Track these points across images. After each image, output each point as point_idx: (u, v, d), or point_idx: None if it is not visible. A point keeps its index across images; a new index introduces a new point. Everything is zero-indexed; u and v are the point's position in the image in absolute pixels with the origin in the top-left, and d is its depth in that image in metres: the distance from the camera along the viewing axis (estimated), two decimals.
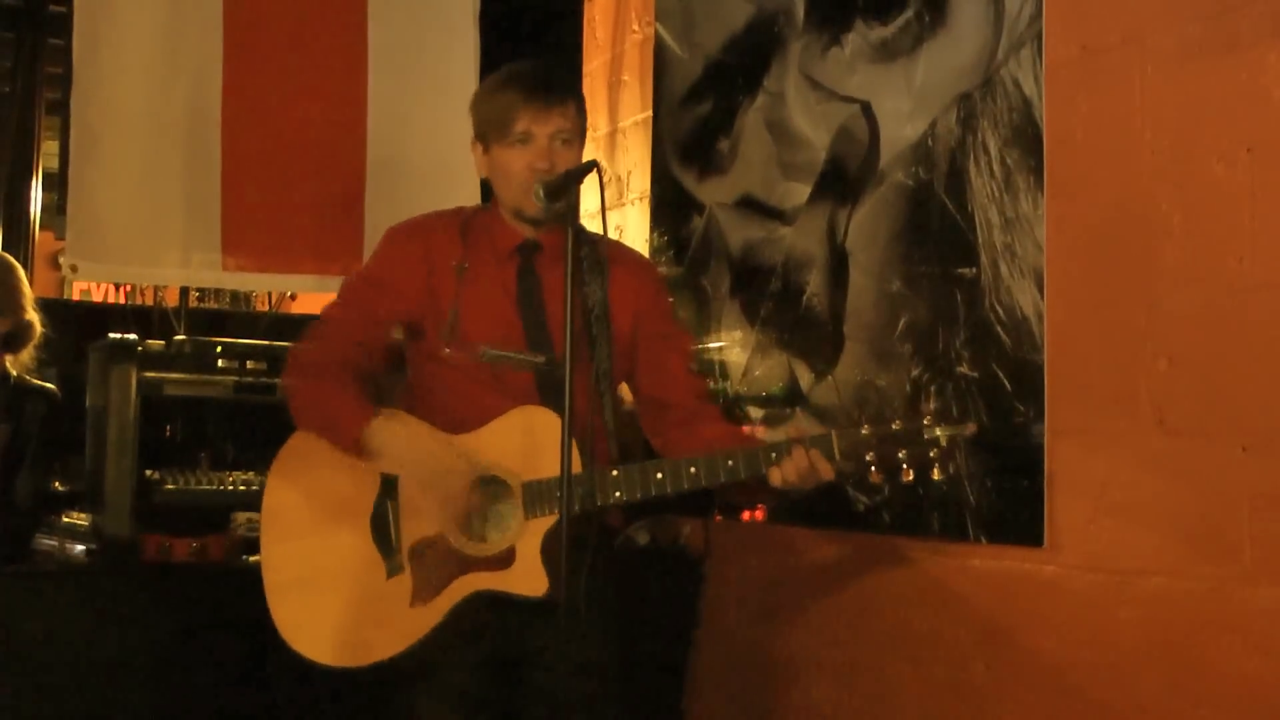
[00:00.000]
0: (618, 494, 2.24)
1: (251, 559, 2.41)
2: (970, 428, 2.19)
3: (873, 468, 2.18)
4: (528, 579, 2.22)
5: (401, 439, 2.30)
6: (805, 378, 3.07)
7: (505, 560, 2.25)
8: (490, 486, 2.31)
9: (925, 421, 2.16)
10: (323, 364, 2.39)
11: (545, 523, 2.23)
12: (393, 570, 2.31)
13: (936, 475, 2.17)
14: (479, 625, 2.30)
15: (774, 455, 2.19)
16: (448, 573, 2.27)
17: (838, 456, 2.18)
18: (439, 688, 2.32)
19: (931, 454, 2.16)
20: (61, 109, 3.82)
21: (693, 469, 2.22)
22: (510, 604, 2.25)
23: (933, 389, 2.70)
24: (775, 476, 2.19)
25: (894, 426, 2.17)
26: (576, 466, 2.20)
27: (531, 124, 2.32)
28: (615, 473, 2.24)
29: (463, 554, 2.27)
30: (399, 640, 2.27)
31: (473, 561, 2.27)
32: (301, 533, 2.37)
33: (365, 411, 2.31)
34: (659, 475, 2.23)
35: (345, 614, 2.32)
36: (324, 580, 2.34)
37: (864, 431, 2.18)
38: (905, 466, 2.16)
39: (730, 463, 2.21)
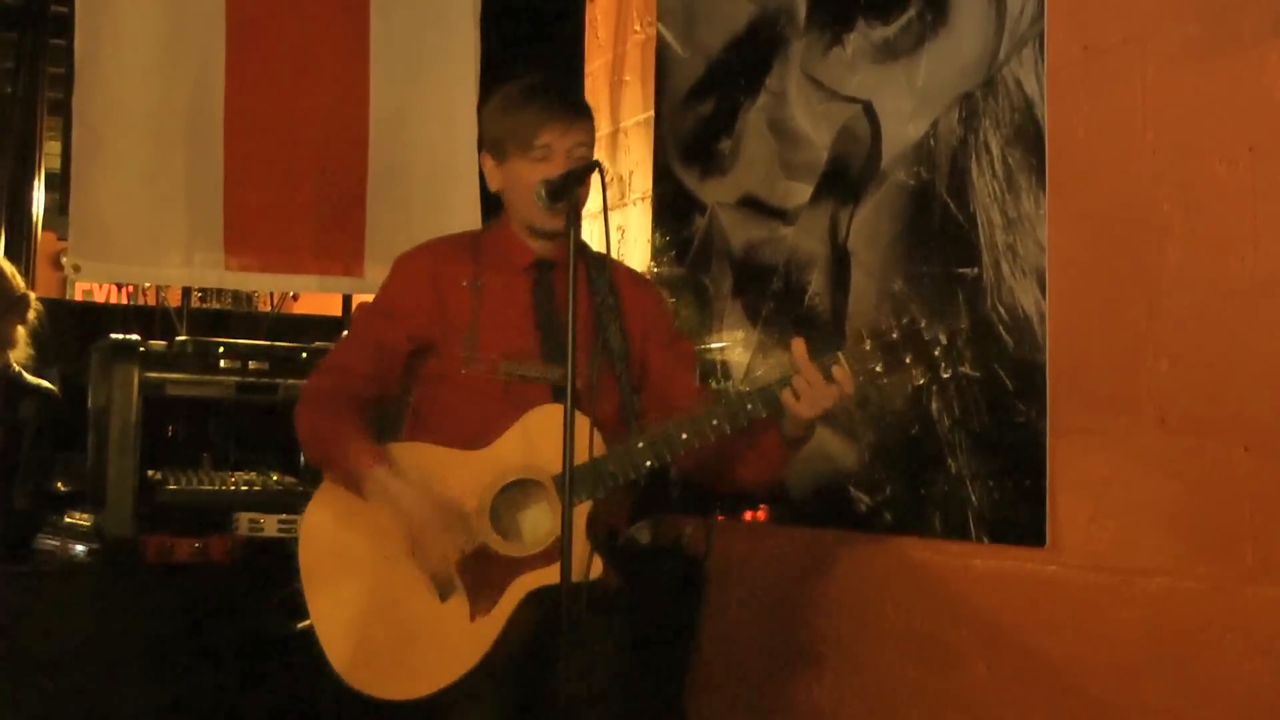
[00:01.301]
0: (649, 462, 2.26)
1: (301, 625, 2.39)
2: (962, 323, 2.29)
3: (884, 376, 2.22)
4: (578, 566, 2.22)
5: (393, 495, 2.29)
6: None
7: (554, 554, 2.26)
8: (521, 488, 2.32)
9: (921, 324, 2.21)
10: (329, 398, 2.42)
11: (583, 509, 2.25)
12: (445, 591, 2.31)
13: (945, 373, 2.24)
14: (530, 627, 2.30)
15: (785, 382, 2.23)
16: (501, 580, 2.28)
17: (849, 370, 2.21)
18: (458, 686, 2.32)
19: (936, 352, 2.20)
20: (64, 109, 3.82)
21: (714, 420, 2.25)
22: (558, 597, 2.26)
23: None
24: (789, 398, 2.22)
25: (894, 335, 2.21)
26: (600, 450, 2.22)
27: (555, 139, 2.36)
28: (640, 443, 2.27)
29: (510, 558, 2.28)
30: (468, 657, 2.27)
31: (522, 563, 2.28)
32: (345, 577, 2.36)
33: (368, 462, 2.30)
34: (683, 435, 2.26)
35: (408, 646, 2.31)
36: (378, 617, 2.33)
37: (868, 345, 2.21)
38: (914, 369, 2.21)
39: (749, 405, 2.24)
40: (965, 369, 2.63)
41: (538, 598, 2.27)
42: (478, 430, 2.34)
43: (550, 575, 2.25)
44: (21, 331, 3.22)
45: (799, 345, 2.25)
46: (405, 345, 2.44)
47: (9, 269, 3.25)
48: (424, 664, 2.29)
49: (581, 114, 2.41)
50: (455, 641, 2.28)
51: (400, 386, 2.49)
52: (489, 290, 2.43)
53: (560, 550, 2.24)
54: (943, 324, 2.23)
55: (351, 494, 2.36)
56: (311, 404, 2.43)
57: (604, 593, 2.13)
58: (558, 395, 2.37)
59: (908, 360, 2.20)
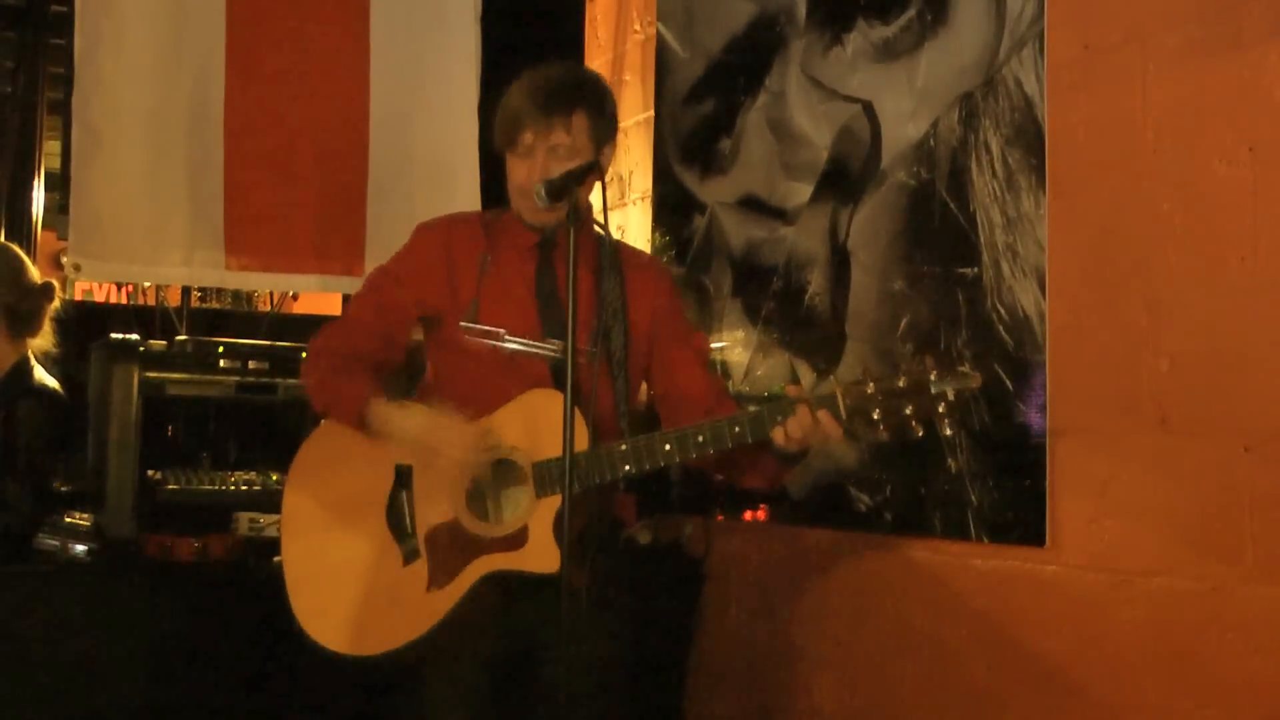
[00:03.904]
0: (627, 468, 2.26)
1: (276, 559, 2.45)
2: (976, 379, 2.14)
3: (880, 425, 2.15)
4: (541, 557, 2.24)
5: (402, 414, 2.33)
6: (807, 377, 3.07)
7: (519, 540, 2.27)
8: (502, 469, 2.33)
9: (931, 376, 2.13)
10: (336, 350, 2.45)
11: (556, 501, 2.25)
12: (409, 556, 2.34)
13: (946, 431, 2.14)
14: (489, 617, 2.31)
15: (779, 416, 2.19)
16: (463, 556, 2.29)
17: (844, 415, 2.17)
18: (448, 683, 2.33)
19: (940, 409, 2.12)
20: (64, 109, 3.81)
21: (699, 436, 2.23)
22: (524, 585, 2.26)
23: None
24: (779, 437, 2.19)
25: (899, 383, 2.14)
26: (584, 445, 2.22)
27: (534, 137, 2.36)
28: (624, 447, 2.26)
29: (477, 536, 2.30)
30: (417, 625, 2.29)
31: (487, 543, 2.29)
32: (319, 528, 2.41)
33: (371, 390, 2.35)
34: (666, 447, 2.24)
35: (363, 602, 2.35)
36: (342, 571, 2.37)
37: (869, 389, 2.15)
38: (914, 422, 2.13)
39: (737, 428, 2.21)
40: (965, 368, 2.63)
41: (496, 580, 2.28)
42: (478, 401, 2.36)
43: (511, 560, 2.28)
44: (47, 319, 3.23)
45: (796, 392, 2.23)
46: (412, 311, 2.48)
47: (26, 258, 3.26)
48: (375, 625, 2.32)
49: (563, 110, 2.36)
50: (408, 608, 2.30)
51: (405, 352, 2.52)
52: (496, 265, 2.45)
53: (523, 537, 2.26)
54: (954, 379, 2.12)
55: (341, 446, 2.39)
56: (319, 357, 2.47)
57: (570, 587, 2.11)
58: (555, 367, 2.38)
59: (907, 412, 2.13)
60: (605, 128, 2.44)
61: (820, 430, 2.17)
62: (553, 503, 2.25)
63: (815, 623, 3.00)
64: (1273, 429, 2.13)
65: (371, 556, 2.36)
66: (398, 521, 2.36)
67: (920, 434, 2.13)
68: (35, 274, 3.24)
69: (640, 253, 2.74)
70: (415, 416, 2.33)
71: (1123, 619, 2.33)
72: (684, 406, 2.49)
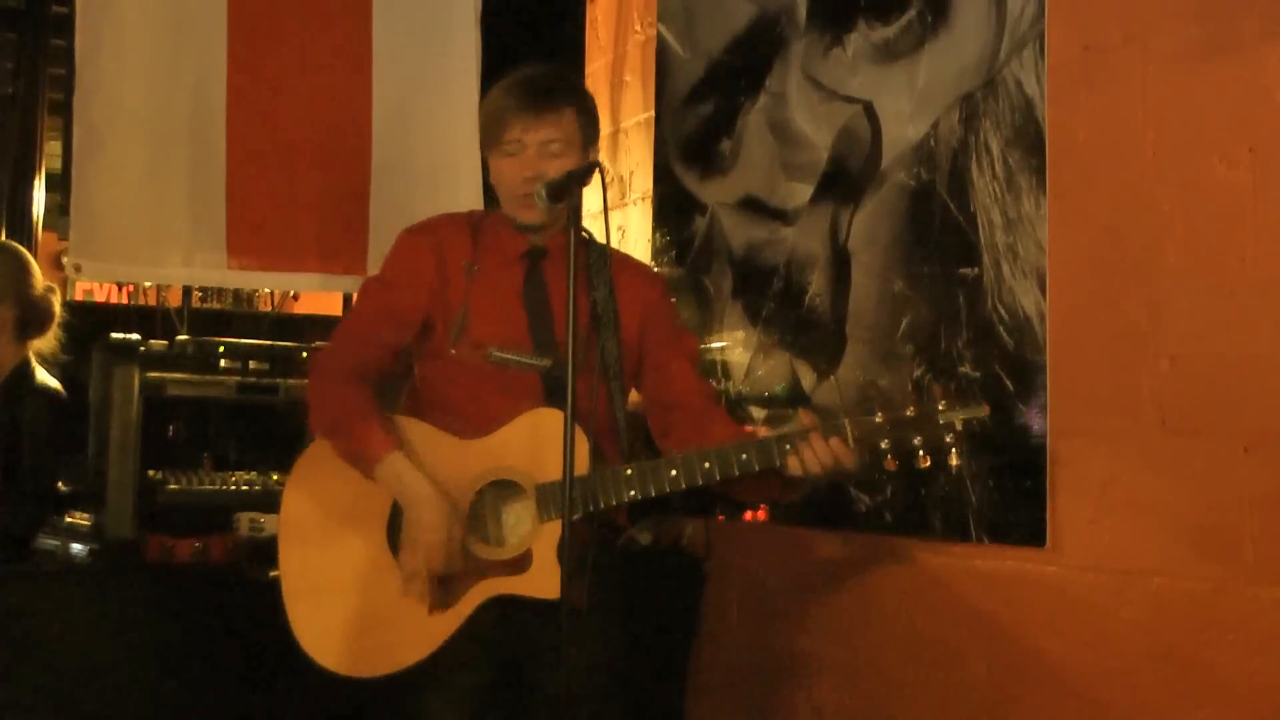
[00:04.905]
0: (632, 492, 2.24)
1: (273, 573, 2.41)
2: (984, 410, 2.16)
3: (888, 455, 2.16)
4: (544, 581, 2.22)
5: (407, 484, 2.27)
6: (807, 378, 3.07)
7: (522, 563, 2.25)
8: (505, 490, 2.31)
9: (940, 407, 2.14)
10: (340, 369, 2.41)
11: (555, 526, 2.23)
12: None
13: (954, 461, 2.15)
14: (488, 628, 2.30)
15: (788, 446, 2.19)
16: (466, 578, 2.27)
17: (851, 445, 2.17)
18: (446, 688, 2.32)
19: (948, 439, 2.14)
20: (64, 110, 3.82)
21: (706, 464, 2.22)
22: (526, 606, 2.26)
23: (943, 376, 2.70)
24: (794, 465, 2.18)
25: (908, 413, 2.15)
26: (587, 468, 2.20)
27: (522, 133, 2.35)
28: (629, 471, 2.25)
29: (479, 558, 2.27)
30: (419, 648, 2.26)
31: (489, 565, 2.27)
32: (318, 541, 2.37)
33: (386, 444, 2.28)
34: (673, 472, 2.23)
35: (363, 622, 2.31)
36: (341, 589, 2.33)
37: (878, 419, 2.16)
38: (921, 453, 2.14)
39: (744, 455, 2.21)
40: (965, 369, 2.63)
41: (499, 603, 2.27)
42: (468, 413, 2.34)
43: (514, 584, 2.25)
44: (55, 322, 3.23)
45: (809, 418, 2.22)
46: (415, 315, 2.43)
47: (33, 261, 3.26)
48: (374, 647, 2.29)
49: (552, 106, 2.35)
50: (408, 631, 2.27)
51: (405, 359, 2.50)
52: (483, 275, 2.43)
53: (526, 561, 2.24)
54: (963, 408, 2.15)
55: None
56: (323, 374, 2.42)
57: (570, 612, 2.09)
58: (546, 380, 2.37)
59: (916, 442, 2.14)
60: (592, 128, 2.44)
61: (832, 459, 2.18)
62: (556, 526, 2.23)
63: (816, 623, 3.00)
64: (1273, 429, 2.13)
65: (372, 575, 2.32)
66: (399, 540, 2.32)
67: (928, 464, 2.15)
68: (37, 274, 3.25)
69: (628, 257, 2.72)
70: (423, 500, 2.26)
71: (1123, 619, 2.33)
72: (675, 412, 2.48)
